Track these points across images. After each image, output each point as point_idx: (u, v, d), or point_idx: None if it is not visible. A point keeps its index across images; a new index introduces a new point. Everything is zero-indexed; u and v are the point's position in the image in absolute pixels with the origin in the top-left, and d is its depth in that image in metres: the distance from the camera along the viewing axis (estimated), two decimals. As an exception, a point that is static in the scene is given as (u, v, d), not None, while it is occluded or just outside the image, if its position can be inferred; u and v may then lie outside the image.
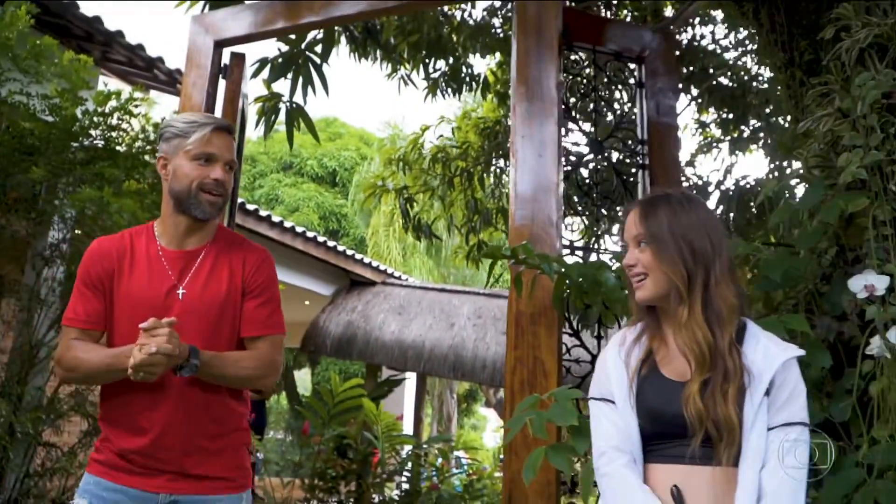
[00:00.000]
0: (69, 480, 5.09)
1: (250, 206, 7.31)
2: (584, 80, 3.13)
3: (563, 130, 2.76)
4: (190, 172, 1.85)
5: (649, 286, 1.48)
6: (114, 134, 4.72)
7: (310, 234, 8.23)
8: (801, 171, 2.27)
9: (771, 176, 5.57)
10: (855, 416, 1.98)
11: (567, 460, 1.85)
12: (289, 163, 18.65)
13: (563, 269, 2.22)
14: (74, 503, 1.87)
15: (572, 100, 3.07)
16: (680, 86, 5.21)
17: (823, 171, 2.29)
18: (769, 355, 1.41)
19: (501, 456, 10.47)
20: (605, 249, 2.95)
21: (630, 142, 2.98)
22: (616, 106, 3.11)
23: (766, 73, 5.29)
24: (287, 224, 7.85)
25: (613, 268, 2.35)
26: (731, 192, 5.64)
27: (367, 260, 9.64)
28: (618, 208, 3.27)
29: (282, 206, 17.47)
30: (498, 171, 6.00)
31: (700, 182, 5.69)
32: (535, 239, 2.47)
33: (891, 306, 1.93)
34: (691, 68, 5.55)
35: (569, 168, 2.89)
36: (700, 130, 6.24)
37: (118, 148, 4.79)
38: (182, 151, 1.87)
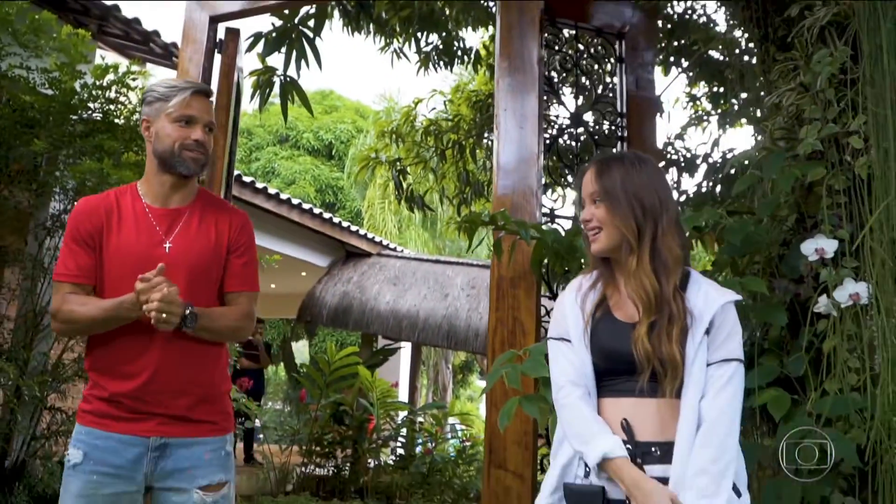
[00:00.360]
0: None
1: (247, 179, 7.42)
2: (566, 56, 3.25)
3: (545, 104, 2.88)
4: (172, 133, 1.96)
5: (603, 239, 1.61)
6: (112, 107, 4.82)
7: (306, 207, 8.35)
8: (766, 143, 2.40)
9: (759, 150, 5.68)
10: (809, 371, 2.13)
11: (539, 409, 2.01)
12: (285, 136, 18.68)
13: (539, 236, 2.36)
14: (69, 454, 1.95)
15: (554, 74, 3.18)
16: (671, 59, 5.32)
17: (788, 143, 2.42)
18: (709, 299, 1.54)
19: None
20: (578, 218, 3.09)
21: (610, 114, 3.10)
22: (596, 78, 3.22)
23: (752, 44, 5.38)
24: (283, 196, 7.96)
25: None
26: (717, 165, 5.77)
27: (362, 232, 9.77)
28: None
29: (278, 178, 17.54)
30: (490, 143, 6.09)
31: (688, 155, 5.81)
32: (517, 207, 2.61)
33: (842, 269, 2.08)
34: (682, 41, 5.63)
35: (550, 140, 3.02)
36: (691, 104, 6.31)
37: (116, 121, 4.90)
38: (164, 114, 1.96)
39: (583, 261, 2.51)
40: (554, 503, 1.61)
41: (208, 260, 2.02)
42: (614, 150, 2.92)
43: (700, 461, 1.47)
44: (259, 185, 7.57)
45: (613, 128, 3.08)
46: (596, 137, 3.07)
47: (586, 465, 1.56)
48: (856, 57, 2.12)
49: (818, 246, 1.97)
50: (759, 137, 5.82)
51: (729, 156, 5.74)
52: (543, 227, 2.58)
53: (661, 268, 1.56)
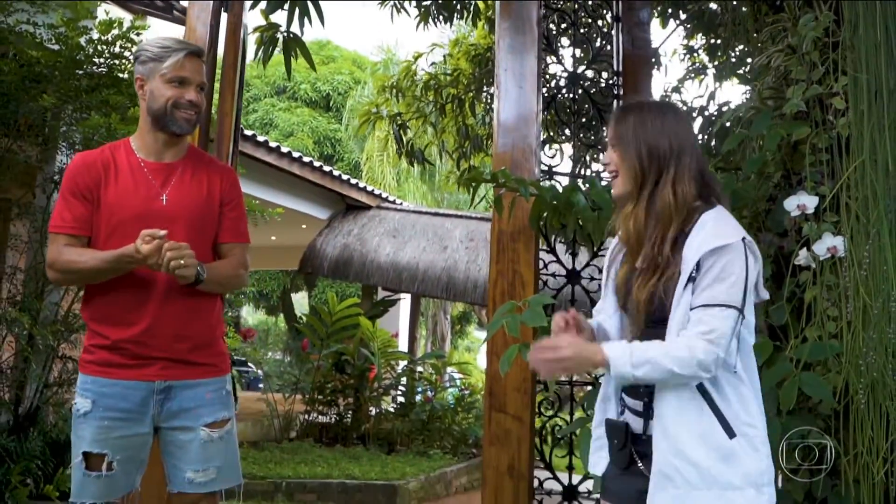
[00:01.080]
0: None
1: (248, 132, 7.47)
2: (564, 14, 3.31)
3: (543, 62, 2.97)
4: (165, 93, 2.04)
5: (619, 183, 1.65)
6: (117, 62, 4.87)
7: (306, 160, 8.41)
8: (755, 102, 2.50)
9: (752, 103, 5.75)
10: (791, 319, 2.27)
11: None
12: (282, 87, 18.56)
13: (538, 192, 2.48)
14: (76, 403, 2.04)
15: (553, 31, 3.25)
16: (669, 11, 5.35)
17: (776, 102, 2.53)
18: (702, 244, 1.51)
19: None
20: (583, 175, 3.20)
21: (606, 73, 3.19)
22: (594, 37, 3.30)
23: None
24: (284, 149, 8.02)
25: (584, 190, 2.61)
26: (713, 119, 5.84)
27: (362, 184, 9.85)
28: (593, 136, 3.50)
29: (276, 130, 17.49)
30: (488, 97, 6.15)
31: (685, 108, 5.87)
32: (516, 164, 2.72)
33: (823, 223, 2.21)
34: (679, -8, 5.64)
35: (548, 98, 3.11)
36: (688, 56, 6.32)
37: (121, 75, 4.95)
38: (158, 75, 2.05)
39: (579, 218, 2.64)
40: (600, 436, 1.72)
41: (203, 212, 2.13)
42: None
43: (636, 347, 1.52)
44: (260, 138, 7.63)
45: (610, 83, 3.16)
46: (592, 94, 3.15)
47: (620, 402, 1.67)
48: (839, 20, 2.21)
49: (800, 202, 2.09)
50: (750, 92, 5.90)
51: (724, 109, 5.83)
52: (542, 183, 2.70)
53: (653, 214, 1.58)
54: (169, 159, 2.13)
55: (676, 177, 1.58)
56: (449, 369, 10.13)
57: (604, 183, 2.68)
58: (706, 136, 5.73)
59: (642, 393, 1.63)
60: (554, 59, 3.15)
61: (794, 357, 2.16)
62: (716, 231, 1.53)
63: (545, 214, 2.69)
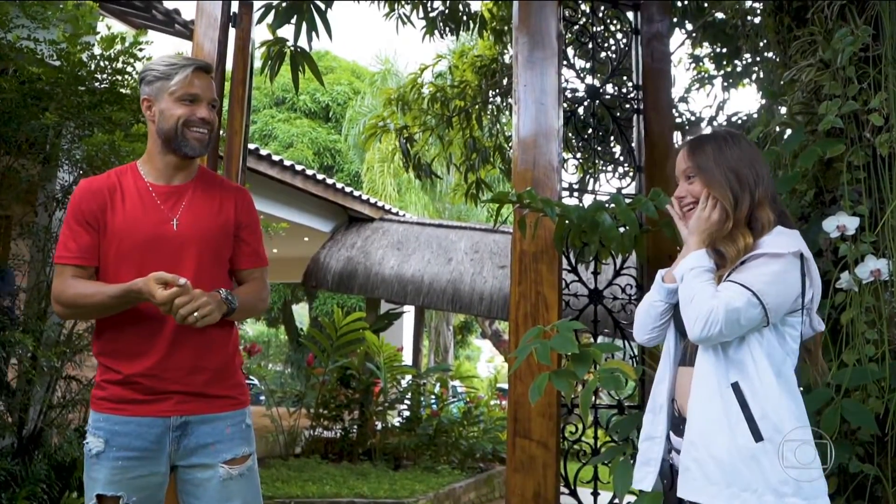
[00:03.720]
0: (88, 411, 5.35)
1: (251, 146, 7.40)
2: (583, 28, 3.25)
3: (562, 77, 2.90)
4: (175, 112, 1.93)
5: (700, 213, 1.69)
6: (119, 77, 4.80)
7: (309, 172, 8.35)
8: (785, 117, 2.43)
9: (760, 113, 5.70)
10: (827, 342, 2.20)
11: (568, 384, 2.08)
12: (281, 98, 18.52)
13: (564, 212, 2.41)
14: (88, 442, 1.94)
15: (571, 48, 3.19)
16: (675, 20, 5.30)
17: (806, 118, 2.46)
18: (756, 249, 1.62)
19: (498, 385, 10.87)
20: (599, 191, 3.12)
21: (626, 86, 3.12)
22: (612, 50, 3.24)
23: (760, 5, 5.35)
24: (287, 162, 7.96)
25: (609, 208, 2.53)
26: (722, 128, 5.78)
27: (364, 196, 9.78)
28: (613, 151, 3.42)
29: (276, 142, 17.44)
30: (495, 109, 6.10)
31: (693, 118, 5.82)
32: (537, 183, 2.65)
33: (861, 244, 2.14)
34: (686, 2, 5.60)
35: (568, 114, 3.04)
36: (694, 65, 6.29)
37: (123, 91, 4.88)
38: (166, 93, 1.93)
39: (600, 237, 2.56)
40: (647, 449, 1.74)
41: (217, 235, 2.03)
42: (643, 130, 2.96)
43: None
44: (262, 151, 7.57)
45: (629, 97, 3.09)
46: (613, 110, 3.09)
47: (667, 440, 1.70)
48: (877, 35, 2.14)
49: (840, 223, 2.02)
50: (765, 101, 5.85)
51: (734, 119, 5.77)
52: (565, 201, 2.63)
53: (758, 232, 1.64)
54: (178, 182, 2.02)
55: (765, 199, 1.66)
56: (453, 381, 10.05)
57: (627, 200, 2.61)
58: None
59: (682, 430, 1.64)
60: (573, 73, 3.08)
61: (834, 382, 2.09)
62: (775, 240, 1.61)
63: (567, 234, 2.61)
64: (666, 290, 1.71)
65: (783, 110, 2.82)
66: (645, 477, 1.71)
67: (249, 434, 2.04)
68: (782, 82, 2.52)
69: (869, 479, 2.04)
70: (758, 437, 1.50)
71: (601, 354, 2.10)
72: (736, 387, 1.55)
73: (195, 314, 1.79)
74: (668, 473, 1.65)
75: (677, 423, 1.66)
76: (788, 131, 2.62)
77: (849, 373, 2.06)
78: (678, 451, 1.64)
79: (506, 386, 2.69)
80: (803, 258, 1.59)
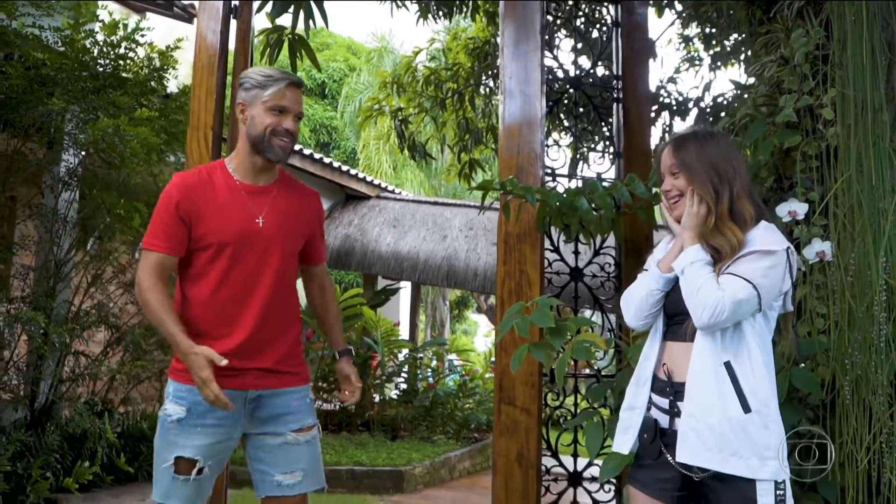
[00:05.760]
0: (96, 385, 5.58)
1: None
2: (566, 20, 3.42)
3: (546, 66, 3.08)
4: (265, 120, 2.13)
5: (684, 205, 1.85)
6: (122, 62, 4.96)
7: (306, 152, 8.50)
8: (750, 108, 2.62)
9: (745, 94, 5.86)
10: (781, 316, 2.40)
11: (546, 355, 2.29)
12: (277, 75, 18.51)
13: (544, 198, 2.61)
14: (167, 409, 2.11)
15: (555, 37, 3.35)
16: (664, 1, 5.45)
17: (769, 109, 2.65)
18: (748, 244, 1.77)
19: (493, 359, 11.11)
20: (582, 175, 3.32)
21: (606, 76, 3.30)
22: (594, 41, 3.41)
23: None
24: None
25: (587, 193, 2.73)
26: (708, 109, 5.95)
27: (361, 175, 9.95)
28: (593, 137, 3.60)
29: (272, 119, 17.43)
30: (488, 91, 6.25)
31: (680, 99, 5.98)
32: (521, 169, 2.84)
33: (813, 227, 2.34)
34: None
35: (551, 103, 3.22)
36: (683, 45, 6.40)
37: (125, 75, 5.04)
38: (259, 102, 2.14)
39: (581, 220, 2.76)
40: (628, 418, 1.93)
41: (295, 235, 2.26)
42: (622, 118, 3.15)
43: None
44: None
45: (609, 85, 3.27)
46: (592, 96, 3.27)
47: (648, 400, 1.90)
48: (829, 36, 2.33)
49: (791, 208, 2.22)
50: (748, 81, 6.01)
51: (719, 100, 5.93)
52: (546, 187, 2.82)
53: (741, 224, 1.80)
54: (263, 182, 2.22)
55: (743, 192, 1.82)
56: (449, 355, 10.28)
57: (605, 185, 2.80)
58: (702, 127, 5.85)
59: (668, 392, 1.85)
60: (556, 63, 3.26)
61: (785, 352, 2.30)
62: (764, 236, 1.78)
63: (548, 216, 2.81)
64: (665, 279, 1.88)
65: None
66: (624, 443, 1.92)
67: (312, 407, 2.27)
68: (748, 76, 2.70)
69: (815, 438, 2.25)
70: (746, 409, 1.71)
71: (575, 327, 2.31)
72: (728, 365, 1.74)
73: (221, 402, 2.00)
74: (652, 428, 1.85)
75: (664, 385, 1.87)
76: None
77: (800, 343, 2.27)
78: (660, 410, 1.86)
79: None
80: (789, 251, 1.77)
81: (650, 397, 1.90)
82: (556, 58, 3.26)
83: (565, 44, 3.99)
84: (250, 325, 2.13)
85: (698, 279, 1.76)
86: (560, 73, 3.30)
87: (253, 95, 2.16)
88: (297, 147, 8.43)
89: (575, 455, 3.01)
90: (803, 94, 2.37)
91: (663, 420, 1.86)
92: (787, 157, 2.51)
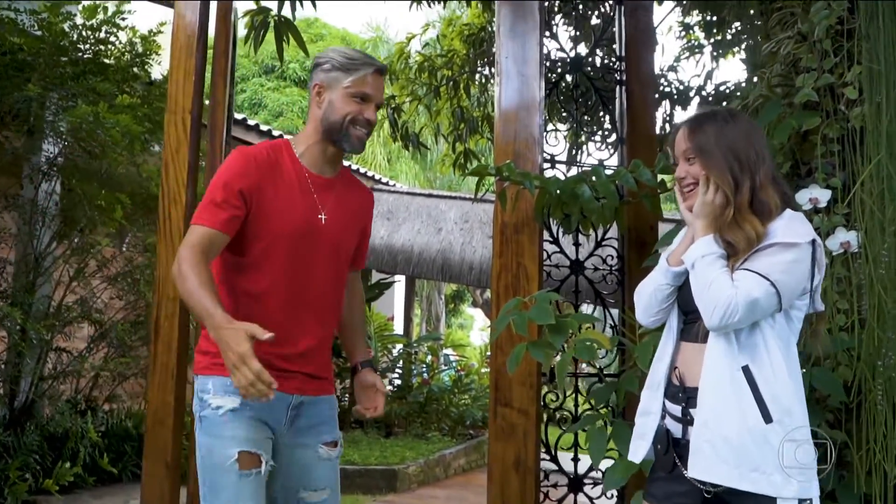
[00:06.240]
0: (80, 382, 5.41)
1: (238, 115, 7.35)
2: (564, 2, 3.24)
3: (545, 48, 2.90)
4: (346, 108, 1.93)
5: (700, 194, 1.66)
6: (102, 47, 4.76)
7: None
8: (764, 89, 2.45)
9: (749, 84, 5.70)
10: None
11: (546, 354, 2.12)
12: (271, 66, 18.33)
13: (543, 185, 2.43)
14: (216, 402, 1.85)
15: (555, 18, 3.18)
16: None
17: (784, 90, 2.47)
18: (767, 237, 1.58)
19: (489, 353, 10.98)
20: (583, 163, 3.14)
21: (608, 57, 3.12)
22: (596, 21, 3.23)
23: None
24: (275, 132, 7.92)
25: (589, 180, 2.55)
26: (710, 98, 5.78)
27: (354, 166, 9.76)
28: (594, 122, 3.43)
29: (265, 111, 17.31)
30: (483, 79, 6.07)
31: (682, 87, 5.81)
32: (518, 155, 2.66)
33: (834, 215, 2.17)
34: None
35: (550, 85, 3.04)
36: (684, 34, 6.26)
37: (107, 61, 4.85)
38: (341, 87, 1.93)
39: (581, 209, 2.58)
40: (643, 424, 1.75)
41: (351, 237, 2.07)
42: (626, 101, 2.97)
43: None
44: (251, 121, 7.52)
45: (612, 68, 3.10)
46: (594, 79, 3.09)
47: (662, 407, 1.71)
48: (853, 8, 2.15)
49: (812, 195, 2.05)
50: (751, 70, 5.84)
51: (722, 88, 5.77)
52: (545, 174, 2.65)
53: (764, 215, 1.61)
54: (329, 174, 2.02)
55: (767, 180, 1.63)
56: (445, 349, 10.13)
57: (608, 172, 2.63)
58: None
59: (680, 398, 1.67)
60: (556, 43, 3.08)
61: (804, 350, 2.14)
62: (788, 227, 1.58)
63: (547, 205, 2.63)
64: (672, 273, 1.71)
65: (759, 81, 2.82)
66: (637, 449, 1.75)
67: (337, 420, 2.07)
68: (763, 54, 2.52)
69: (837, 444, 2.09)
70: (768, 418, 1.53)
71: (577, 325, 2.14)
72: (746, 370, 1.56)
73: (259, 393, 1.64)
74: (664, 438, 1.68)
75: (676, 391, 1.68)
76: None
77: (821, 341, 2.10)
78: (673, 418, 1.68)
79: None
80: (815, 244, 1.58)
81: (664, 403, 1.72)
82: (555, 36, 3.08)
83: (564, 31, 3.84)
84: (306, 325, 1.93)
85: (709, 274, 1.57)
86: (560, 55, 3.12)
87: (333, 78, 1.95)
88: (288, 137, 8.25)
89: (575, 458, 2.84)
90: (824, 71, 2.19)
91: (676, 429, 1.68)
92: (805, 140, 2.34)
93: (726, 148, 1.63)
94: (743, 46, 5.88)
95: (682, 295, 1.73)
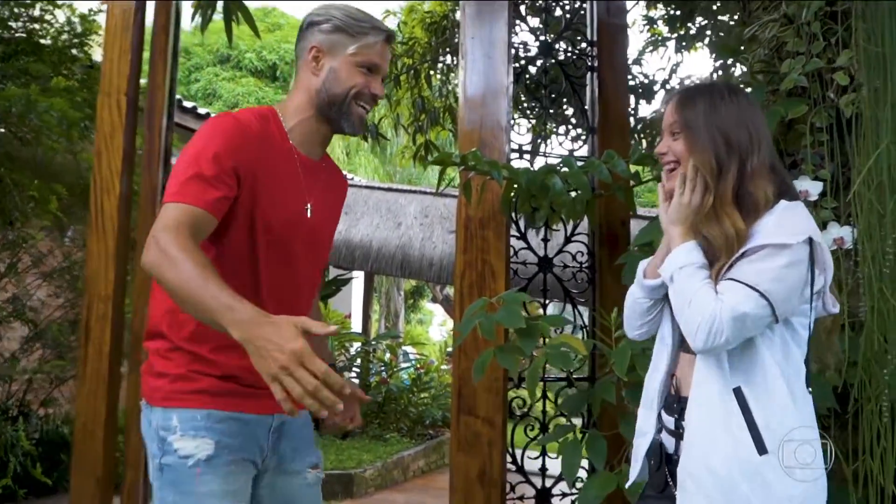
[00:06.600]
0: (13, 386, 5.06)
1: (188, 104, 7.04)
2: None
3: (512, 31, 2.71)
4: (351, 79, 1.60)
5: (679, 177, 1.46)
6: (37, 26, 4.44)
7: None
8: (745, 76, 2.29)
9: (715, 76, 5.63)
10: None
11: (514, 360, 1.93)
12: (226, 55, 17.87)
13: (512, 176, 2.24)
14: (185, 449, 1.49)
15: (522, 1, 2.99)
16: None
17: (767, 76, 2.32)
18: (756, 236, 1.37)
19: (448, 349, 10.80)
20: (550, 153, 2.97)
21: (579, 43, 2.95)
22: (566, 6, 3.04)
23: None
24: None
25: (560, 171, 2.38)
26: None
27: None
28: (565, 110, 3.26)
29: (220, 101, 16.86)
30: (445, 68, 5.87)
31: (646, 81, 5.70)
32: (484, 143, 2.47)
33: (822, 210, 2.02)
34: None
35: (518, 71, 2.85)
36: (648, 27, 6.18)
37: (42, 41, 4.53)
38: (346, 53, 1.61)
39: (551, 202, 2.41)
40: (639, 445, 1.56)
41: (331, 231, 1.76)
42: (597, 89, 2.78)
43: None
44: (201, 110, 7.20)
45: (583, 55, 2.92)
46: (565, 68, 2.91)
47: (658, 418, 1.52)
48: (845, -12, 2.01)
49: (802, 188, 1.90)
50: (718, 63, 5.77)
51: (687, 82, 5.68)
52: (514, 164, 2.46)
53: (749, 208, 1.39)
54: (316, 157, 1.68)
55: (761, 169, 1.41)
56: (404, 346, 9.91)
57: (579, 163, 2.45)
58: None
59: (675, 409, 1.47)
60: (524, 28, 2.89)
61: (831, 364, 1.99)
62: (779, 224, 1.35)
63: (515, 198, 2.45)
64: (648, 287, 1.50)
65: (738, 71, 2.69)
66: (633, 470, 1.55)
67: None
68: (745, 38, 2.37)
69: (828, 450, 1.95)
70: (762, 449, 1.32)
71: (549, 329, 1.96)
72: (738, 392, 1.35)
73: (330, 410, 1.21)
74: (658, 453, 1.49)
75: (672, 401, 1.49)
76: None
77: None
78: (668, 431, 1.49)
79: (454, 351, 2.54)
80: (812, 243, 1.35)
81: (660, 414, 1.52)
82: (524, 18, 2.89)
83: (534, 9, 3.67)
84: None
85: (689, 288, 1.36)
86: (529, 39, 2.93)
87: (335, 42, 1.61)
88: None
89: (543, 470, 2.66)
90: (812, 56, 2.04)
91: (669, 444, 1.49)
92: (790, 130, 2.19)
93: (715, 127, 1.41)
94: (706, 42, 5.81)
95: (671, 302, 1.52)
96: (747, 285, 1.31)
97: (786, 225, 1.36)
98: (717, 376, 1.37)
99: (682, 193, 1.43)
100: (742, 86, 2.38)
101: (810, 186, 1.90)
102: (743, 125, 1.43)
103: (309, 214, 1.62)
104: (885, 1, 1.73)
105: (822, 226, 1.93)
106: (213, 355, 1.52)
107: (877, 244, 1.73)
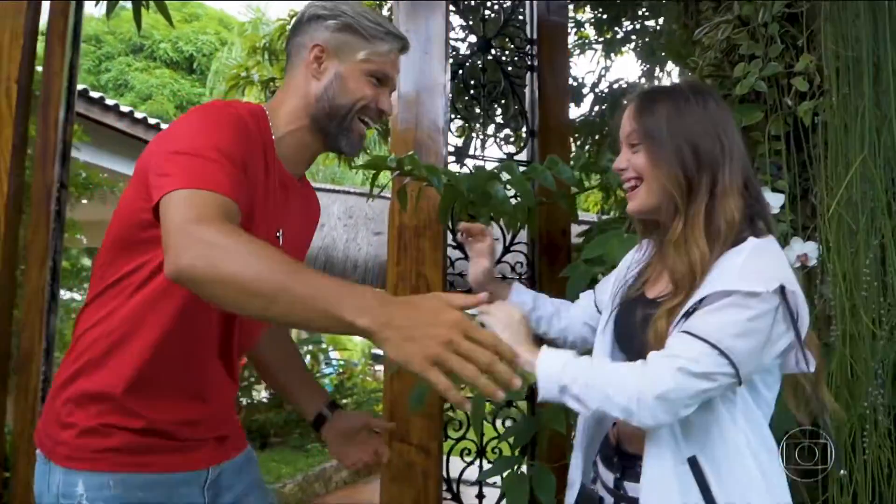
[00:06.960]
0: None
1: (95, 94, 6.56)
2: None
3: (449, 27, 2.53)
4: (359, 90, 1.36)
5: (642, 195, 1.26)
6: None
7: (165, 126, 7.56)
8: (695, 80, 2.17)
9: (643, 80, 5.62)
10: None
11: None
12: (139, 45, 17.07)
13: (452, 182, 2.05)
14: None
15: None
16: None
17: (717, 81, 2.22)
18: (720, 278, 1.15)
19: (372, 351, 10.56)
20: (488, 157, 2.80)
21: (518, 41, 2.79)
22: (504, 2, 2.88)
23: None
24: (139, 115, 7.14)
25: (503, 178, 2.21)
26: (604, 95, 5.65)
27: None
28: (504, 112, 3.10)
29: (132, 93, 16.10)
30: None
31: (575, 84, 5.64)
32: (420, 145, 2.28)
33: (779, 223, 1.92)
34: (570, -38, 5.37)
35: (455, 69, 2.67)
36: (575, 30, 6.15)
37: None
38: (357, 59, 1.36)
39: (491, 210, 2.23)
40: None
41: (303, 257, 1.51)
42: (537, 89, 2.61)
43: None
44: (109, 101, 6.73)
45: (523, 53, 2.76)
46: (505, 67, 2.74)
47: (594, 467, 1.34)
48: (805, -12, 1.91)
49: (762, 201, 1.78)
50: (646, 67, 5.77)
51: (615, 86, 5.65)
52: (454, 169, 2.28)
53: (715, 235, 1.18)
54: (297, 176, 1.43)
55: (733, 184, 1.20)
56: (330, 351, 9.63)
57: (521, 168, 2.29)
58: (596, 114, 5.56)
59: (615, 465, 1.27)
60: (461, 23, 2.71)
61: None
62: (747, 267, 1.14)
63: (454, 205, 2.27)
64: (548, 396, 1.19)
65: (665, 77, 2.58)
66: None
67: None
68: (693, 40, 2.26)
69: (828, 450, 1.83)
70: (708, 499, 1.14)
71: (495, 353, 1.78)
72: (693, 462, 1.14)
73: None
74: None
75: (610, 455, 1.30)
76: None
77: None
78: (606, 488, 1.28)
79: (380, 352, 2.31)
80: (785, 291, 1.12)
81: (595, 462, 1.32)
82: (462, 13, 2.71)
83: (470, 6, 3.53)
84: (216, 375, 1.34)
85: (596, 383, 1.13)
86: (464, 35, 2.76)
87: (343, 43, 1.35)
88: (153, 121, 7.51)
89: (480, 496, 2.48)
90: (769, 60, 1.94)
91: (609, 502, 1.28)
92: (744, 138, 2.08)
93: (682, 137, 1.21)
94: (632, 46, 5.80)
95: (620, 330, 1.32)
96: (704, 340, 1.10)
97: (756, 268, 1.14)
98: (669, 446, 1.16)
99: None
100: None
101: (771, 199, 1.78)
102: (712, 133, 1.23)
103: (280, 242, 1.36)
104: (859, 1, 1.63)
105: (783, 240, 1.82)
106: (140, 406, 1.26)
107: (846, 262, 1.62)
